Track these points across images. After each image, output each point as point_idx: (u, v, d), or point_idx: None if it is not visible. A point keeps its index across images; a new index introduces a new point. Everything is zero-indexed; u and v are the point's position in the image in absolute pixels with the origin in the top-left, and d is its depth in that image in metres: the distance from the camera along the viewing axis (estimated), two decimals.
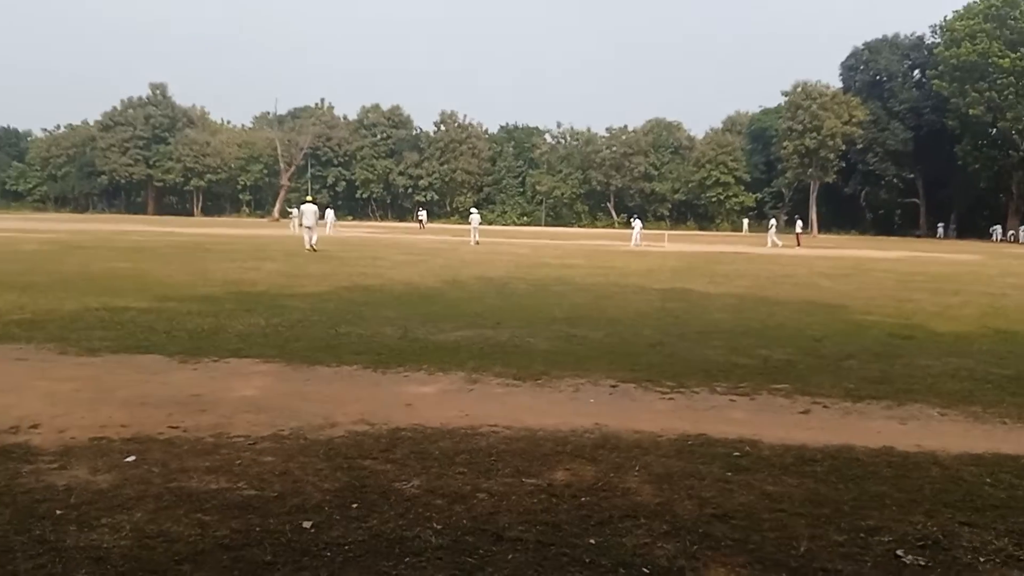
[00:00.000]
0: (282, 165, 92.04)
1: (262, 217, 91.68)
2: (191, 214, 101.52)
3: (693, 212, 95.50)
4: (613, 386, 7.49)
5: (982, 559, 3.75)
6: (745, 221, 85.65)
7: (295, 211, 38.01)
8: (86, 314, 11.19)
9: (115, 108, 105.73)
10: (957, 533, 4.05)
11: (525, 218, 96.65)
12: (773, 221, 52.45)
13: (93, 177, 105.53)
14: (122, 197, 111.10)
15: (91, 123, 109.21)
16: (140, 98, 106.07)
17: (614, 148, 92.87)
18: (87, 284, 15.02)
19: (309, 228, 30.25)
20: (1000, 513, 4.33)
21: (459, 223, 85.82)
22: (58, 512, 4.03)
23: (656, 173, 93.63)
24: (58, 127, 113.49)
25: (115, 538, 3.74)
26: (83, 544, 3.68)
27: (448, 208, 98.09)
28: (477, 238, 40.24)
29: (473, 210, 46.88)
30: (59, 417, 5.89)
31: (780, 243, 45.98)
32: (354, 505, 4.24)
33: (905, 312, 14.01)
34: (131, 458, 4.96)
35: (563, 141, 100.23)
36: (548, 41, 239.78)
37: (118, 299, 12.80)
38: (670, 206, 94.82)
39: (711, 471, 4.96)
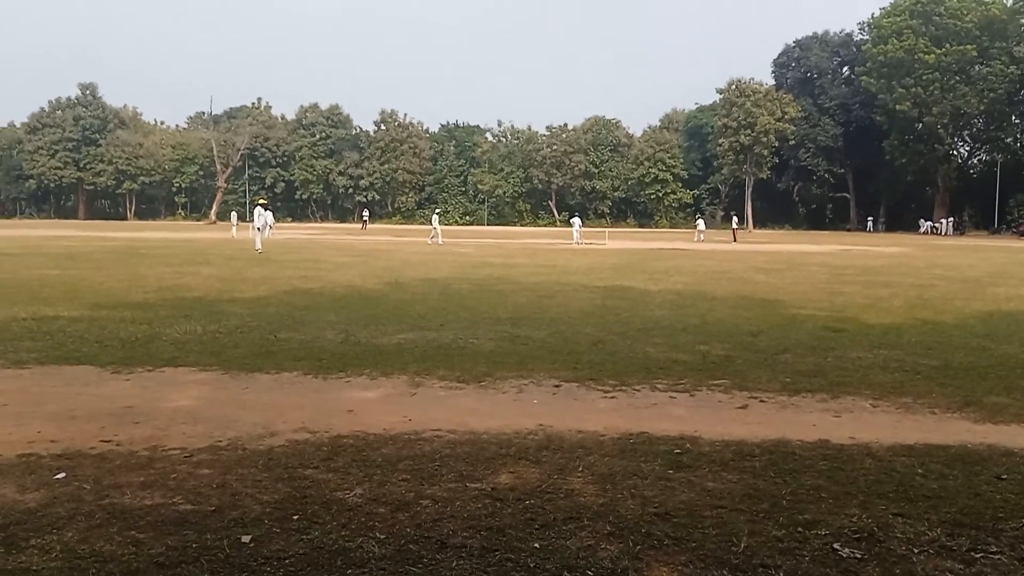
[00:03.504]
0: (218, 167, 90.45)
1: (198, 220, 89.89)
2: (124, 218, 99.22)
3: (633, 209, 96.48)
4: (556, 386, 7.52)
5: (916, 550, 3.82)
6: (700, 221, 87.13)
7: (254, 213, 36.66)
8: (13, 324, 10.82)
9: (42, 109, 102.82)
10: (891, 525, 4.14)
11: (468, 217, 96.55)
12: (701, 222, 54.66)
13: (20, 181, 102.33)
14: (51, 201, 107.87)
15: (17, 125, 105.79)
16: (69, 99, 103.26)
17: (555, 146, 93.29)
18: (15, 292, 14.52)
19: (259, 229, 30.32)
20: (932, 504, 4.43)
21: (401, 223, 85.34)
22: None
23: (596, 171, 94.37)
24: None
25: (45, 560, 3.62)
26: (11, 567, 3.55)
27: (390, 208, 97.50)
28: (430, 238, 40.93)
29: (437, 212, 49.29)
30: None
31: (704, 239, 48.13)
32: (295, 517, 4.17)
33: (837, 305, 14.36)
34: (61, 475, 4.80)
35: (504, 140, 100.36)
36: (488, 39, 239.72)
37: (47, 308, 12.40)
38: (610, 203, 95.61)
39: (653, 469, 5.00)
